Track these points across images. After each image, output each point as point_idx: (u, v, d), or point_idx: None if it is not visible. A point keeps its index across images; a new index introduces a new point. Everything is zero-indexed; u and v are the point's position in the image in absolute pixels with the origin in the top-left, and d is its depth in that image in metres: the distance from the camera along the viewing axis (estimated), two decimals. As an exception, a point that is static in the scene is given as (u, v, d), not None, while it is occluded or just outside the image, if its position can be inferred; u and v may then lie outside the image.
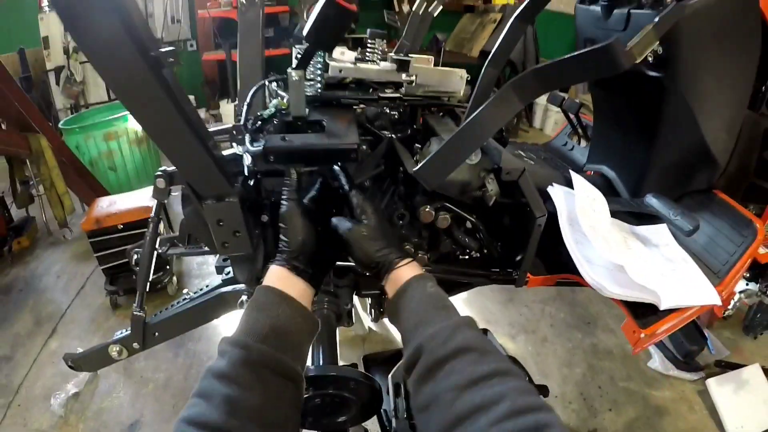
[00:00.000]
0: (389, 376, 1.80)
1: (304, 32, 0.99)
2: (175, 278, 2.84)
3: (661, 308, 1.21)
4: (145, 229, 2.65)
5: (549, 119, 5.33)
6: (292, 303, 0.76)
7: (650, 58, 1.33)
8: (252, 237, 1.10)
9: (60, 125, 3.76)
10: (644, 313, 1.23)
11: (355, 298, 1.37)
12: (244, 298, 1.26)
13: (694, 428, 2.07)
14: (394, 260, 0.84)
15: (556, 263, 1.25)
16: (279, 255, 0.85)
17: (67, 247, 3.49)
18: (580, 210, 1.17)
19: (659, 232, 1.50)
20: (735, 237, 1.41)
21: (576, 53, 0.85)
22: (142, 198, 2.73)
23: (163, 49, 0.85)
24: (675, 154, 1.51)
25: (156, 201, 1.32)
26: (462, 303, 2.60)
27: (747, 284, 1.80)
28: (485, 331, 2.26)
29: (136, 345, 1.50)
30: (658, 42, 0.85)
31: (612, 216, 1.40)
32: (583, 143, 1.94)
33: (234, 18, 4.85)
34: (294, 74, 1.02)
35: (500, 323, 2.50)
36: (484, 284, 1.25)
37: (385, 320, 2.39)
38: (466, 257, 1.23)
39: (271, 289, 0.77)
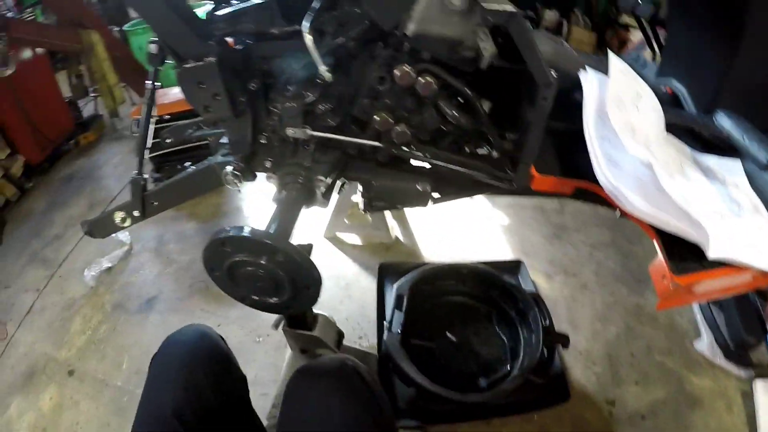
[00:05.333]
0: (394, 286, 1.71)
1: None
2: None
3: (710, 256, 0.92)
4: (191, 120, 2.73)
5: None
6: None
7: None
8: (235, 102, 1.02)
9: (124, 27, 3.91)
10: (684, 256, 0.95)
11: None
12: (228, 169, 1.19)
13: (725, 430, 1.78)
14: None
15: (579, 167, 1.03)
16: None
17: (128, 141, 3.69)
18: (614, 100, 0.94)
19: (730, 167, 1.18)
20: None
21: None
22: (191, 90, 2.75)
23: None
24: (759, 70, 1.19)
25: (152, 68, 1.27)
26: (502, 231, 2.42)
27: None
28: (518, 262, 2.08)
29: (136, 212, 1.50)
30: None
31: (668, 131, 1.14)
32: (658, 60, 1.64)
33: None
34: None
35: (539, 258, 2.29)
36: (489, 186, 1.06)
37: (414, 232, 2.28)
38: (470, 150, 1.06)
39: None
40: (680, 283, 0.93)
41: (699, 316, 2.02)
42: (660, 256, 0.98)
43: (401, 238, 2.38)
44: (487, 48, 0.81)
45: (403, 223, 2.49)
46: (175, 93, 2.78)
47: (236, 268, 0.86)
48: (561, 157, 1.04)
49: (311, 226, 2.44)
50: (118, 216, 1.57)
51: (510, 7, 0.79)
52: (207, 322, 2.03)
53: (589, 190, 1.05)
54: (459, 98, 0.96)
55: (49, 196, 3.13)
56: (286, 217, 0.91)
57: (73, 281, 2.38)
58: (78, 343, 2.04)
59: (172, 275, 2.34)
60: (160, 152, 2.76)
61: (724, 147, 1.20)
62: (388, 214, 2.28)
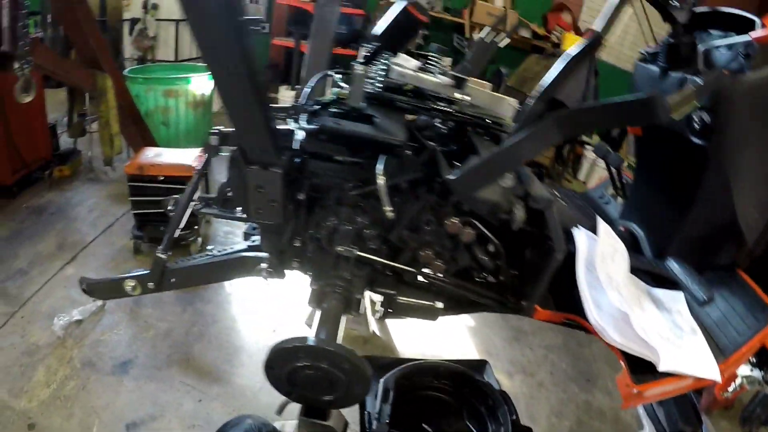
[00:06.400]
0: (381, 380, 1.84)
1: (374, 31, 1.07)
2: (200, 239, 2.90)
3: (660, 369, 1.21)
4: (184, 186, 2.75)
5: (594, 174, 5.24)
6: None
7: (696, 125, 1.36)
8: (285, 209, 1.16)
9: (125, 72, 3.90)
10: (642, 369, 1.24)
11: (368, 300, 1.42)
12: (263, 265, 1.31)
13: None
14: None
15: (568, 304, 1.27)
16: None
17: (104, 185, 3.62)
18: (600, 256, 1.20)
19: (674, 299, 1.50)
20: (748, 319, 1.41)
21: (618, 99, 0.89)
22: (187, 156, 2.81)
23: (250, 17, 0.93)
24: (705, 224, 1.52)
25: (206, 155, 1.40)
26: (468, 332, 2.61)
27: (751, 370, 1.72)
28: (484, 362, 2.27)
29: (151, 285, 1.56)
30: (696, 105, 0.90)
31: (631, 272, 1.41)
32: (620, 200, 1.95)
33: (309, 11, 4.97)
34: (358, 68, 1.10)
35: (501, 359, 2.50)
36: (492, 308, 1.28)
37: (390, 327, 2.42)
38: (480, 280, 1.27)
39: None
40: (640, 389, 1.22)
41: (641, 411, 2.26)
42: (624, 370, 1.26)
43: (378, 332, 2.50)
44: (521, 215, 1.04)
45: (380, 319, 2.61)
46: (170, 155, 2.86)
47: (300, 370, 0.98)
48: (553, 293, 1.27)
49: (294, 312, 2.49)
50: (129, 284, 1.63)
51: (548, 195, 1.04)
52: (187, 396, 2.09)
53: (575, 321, 1.30)
54: (486, 246, 1.18)
55: (13, 225, 2.98)
56: (334, 326, 1.05)
57: (36, 326, 2.23)
58: (41, 396, 1.94)
59: (149, 341, 2.26)
60: (145, 211, 2.77)
61: (671, 282, 1.50)
62: (368, 309, 2.43)
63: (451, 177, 1.04)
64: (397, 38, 1.16)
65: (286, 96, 5.17)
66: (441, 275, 1.18)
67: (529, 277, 1.20)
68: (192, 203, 1.46)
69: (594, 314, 1.15)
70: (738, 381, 1.69)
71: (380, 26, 1.13)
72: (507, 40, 1.66)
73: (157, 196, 2.64)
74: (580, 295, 1.15)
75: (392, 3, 4.41)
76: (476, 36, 5.26)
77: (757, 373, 1.70)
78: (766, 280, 1.61)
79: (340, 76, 1.38)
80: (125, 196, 2.85)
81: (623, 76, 5.44)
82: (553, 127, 0.96)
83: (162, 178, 2.68)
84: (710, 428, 2.33)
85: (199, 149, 2.91)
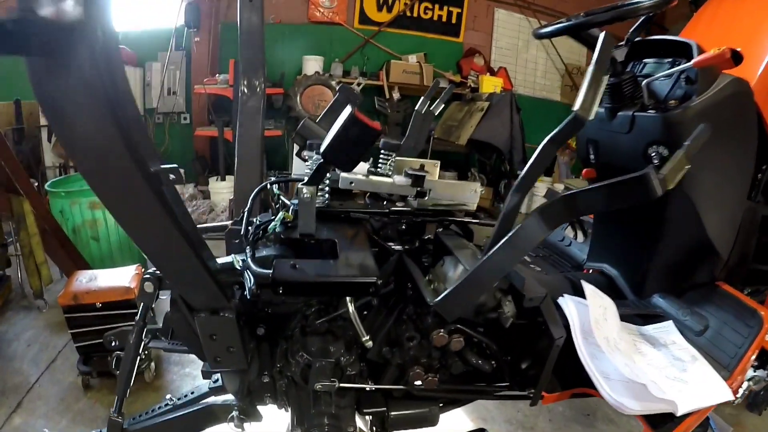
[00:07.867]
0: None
1: (322, 147, 0.94)
2: (153, 364, 2.65)
3: (678, 415, 1.16)
4: (125, 310, 2.48)
5: (535, 204, 5.35)
6: None
7: (655, 160, 1.34)
8: (246, 352, 1.01)
9: (46, 186, 3.62)
10: (661, 420, 1.20)
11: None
12: (235, 413, 1.16)
13: None
14: None
15: (572, 379, 1.20)
16: None
17: (40, 314, 3.27)
18: (594, 322, 1.14)
19: (666, 330, 1.47)
20: (741, 328, 1.40)
21: (608, 182, 0.83)
22: (123, 277, 2.57)
23: (165, 166, 0.80)
24: (678, 251, 1.51)
25: (142, 304, 1.22)
26: None
27: (755, 371, 1.76)
28: (483, 430, 2.16)
29: None
30: (689, 166, 0.84)
31: (621, 320, 1.37)
32: (581, 238, 1.93)
33: (229, 97, 4.85)
34: (305, 191, 0.97)
35: (497, 421, 2.38)
36: (494, 398, 1.17)
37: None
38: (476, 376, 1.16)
39: None
40: (665, 441, 1.15)
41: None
42: (645, 428, 1.24)
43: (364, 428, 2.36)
44: (510, 311, 0.95)
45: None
46: (105, 277, 2.58)
47: None
48: (555, 373, 1.18)
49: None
50: (87, 457, 1.42)
51: (541, 290, 0.96)
52: None
53: (583, 393, 1.22)
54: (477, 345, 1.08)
55: (-59, 367, 2.62)
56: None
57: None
58: None
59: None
60: (87, 343, 2.48)
61: (656, 316, 1.48)
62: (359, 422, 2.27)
63: (437, 301, 0.93)
64: (349, 154, 0.92)
65: (216, 187, 4.95)
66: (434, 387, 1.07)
67: (530, 366, 1.10)
68: (138, 356, 1.28)
69: (606, 390, 1.08)
70: (745, 386, 1.70)
71: (326, 141, 0.93)
72: (441, 106, 1.62)
73: (99, 325, 2.40)
74: (586, 371, 1.08)
75: (309, 76, 4.35)
76: (395, 95, 5.32)
77: (761, 373, 1.75)
78: (746, 283, 1.66)
79: (276, 187, 1.25)
80: (64, 324, 2.57)
81: (541, 105, 5.90)
82: (538, 222, 0.87)
83: (99, 305, 2.41)
84: (717, 419, 2.32)
85: (135, 266, 2.68)
